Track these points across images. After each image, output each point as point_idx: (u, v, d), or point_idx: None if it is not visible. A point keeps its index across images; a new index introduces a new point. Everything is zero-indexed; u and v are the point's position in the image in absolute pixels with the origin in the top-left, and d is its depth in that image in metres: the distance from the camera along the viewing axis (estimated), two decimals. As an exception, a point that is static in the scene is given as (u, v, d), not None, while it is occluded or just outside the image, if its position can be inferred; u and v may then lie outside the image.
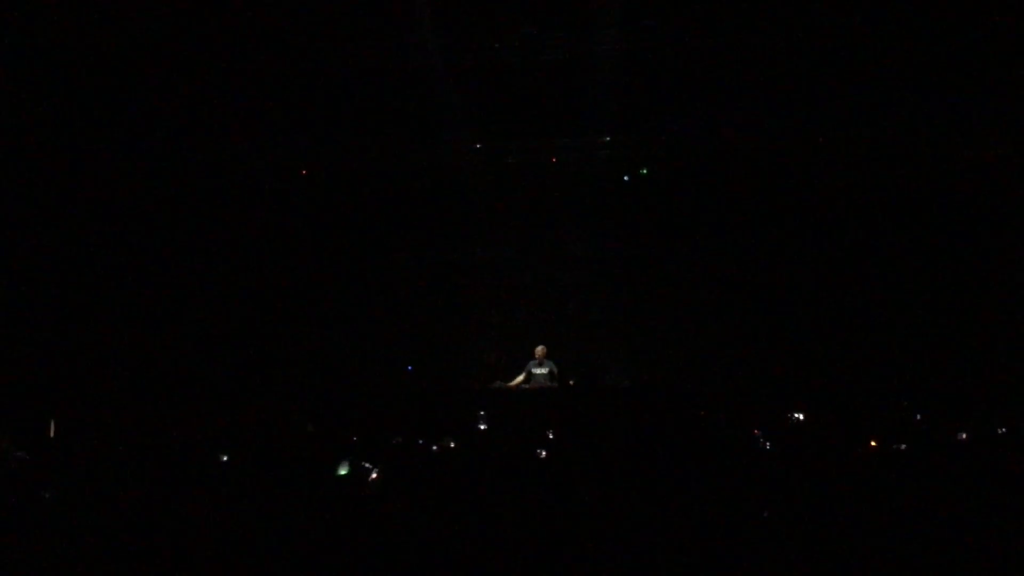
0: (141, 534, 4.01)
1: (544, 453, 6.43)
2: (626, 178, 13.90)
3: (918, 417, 6.70)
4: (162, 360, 12.68)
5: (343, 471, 5.04)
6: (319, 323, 13.83)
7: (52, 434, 9.83)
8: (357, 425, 9.07)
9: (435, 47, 11.94)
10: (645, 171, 13.83)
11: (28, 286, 11.67)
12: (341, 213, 13.77)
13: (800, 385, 11.82)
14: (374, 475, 4.93)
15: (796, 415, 8.69)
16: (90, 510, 4.48)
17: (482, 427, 9.39)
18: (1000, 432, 5.93)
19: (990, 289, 12.15)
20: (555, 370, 11.68)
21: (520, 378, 11.72)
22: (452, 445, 7.27)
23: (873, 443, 7.16)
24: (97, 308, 12.39)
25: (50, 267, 11.93)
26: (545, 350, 11.85)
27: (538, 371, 11.66)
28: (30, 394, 10.82)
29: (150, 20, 11.01)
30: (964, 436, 6.17)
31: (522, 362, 11.95)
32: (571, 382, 11.73)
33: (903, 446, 5.74)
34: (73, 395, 11.19)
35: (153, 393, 11.97)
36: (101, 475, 5.53)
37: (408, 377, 13.84)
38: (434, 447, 7.04)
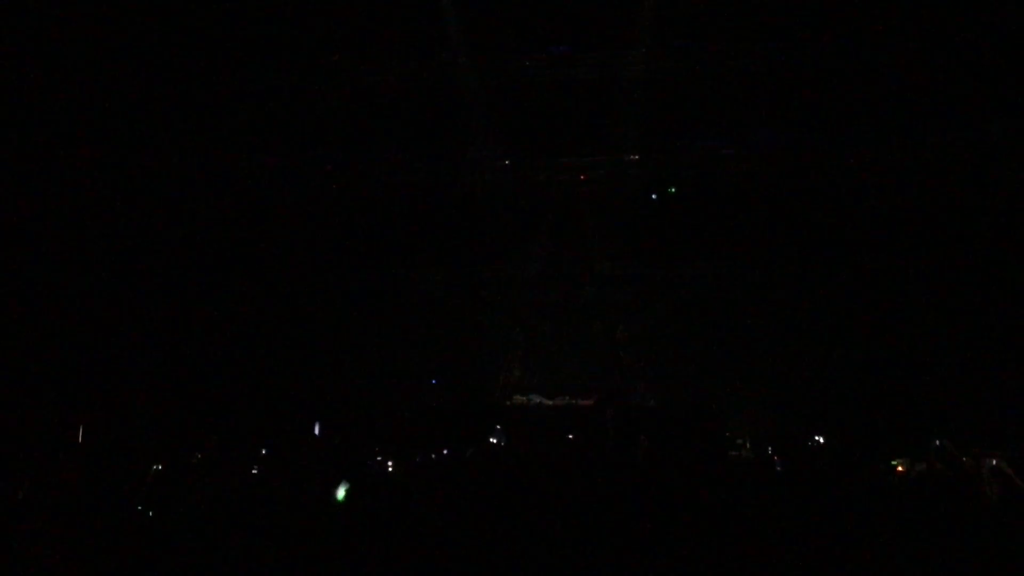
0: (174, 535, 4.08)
1: (568, 469, 6.44)
2: (654, 196, 13.89)
3: (937, 443, 6.63)
4: (192, 373, 12.82)
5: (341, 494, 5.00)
6: (346, 336, 13.93)
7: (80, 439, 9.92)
8: (382, 435, 9.14)
9: (466, 65, 12.06)
10: (673, 190, 13.81)
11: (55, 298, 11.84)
12: (370, 228, 13.90)
13: (824, 406, 11.71)
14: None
15: (817, 438, 8.64)
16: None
17: (502, 439, 9.44)
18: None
19: (1012, 312, 11.94)
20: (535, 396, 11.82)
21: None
22: (474, 455, 7.32)
23: (900, 468, 7.07)
24: (133, 321, 12.56)
25: (77, 281, 12.10)
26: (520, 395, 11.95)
27: (534, 403, 11.75)
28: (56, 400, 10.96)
29: (184, 37, 11.23)
30: (995, 462, 6.06)
31: (546, 379, 12.04)
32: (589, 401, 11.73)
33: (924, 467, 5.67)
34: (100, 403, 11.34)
35: (183, 405, 12.12)
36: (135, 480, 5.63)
37: (432, 391, 13.89)
38: (457, 456, 7.10)
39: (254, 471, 7.23)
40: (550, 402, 11.73)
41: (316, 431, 9.97)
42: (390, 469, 7.15)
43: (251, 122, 12.59)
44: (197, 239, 13.04)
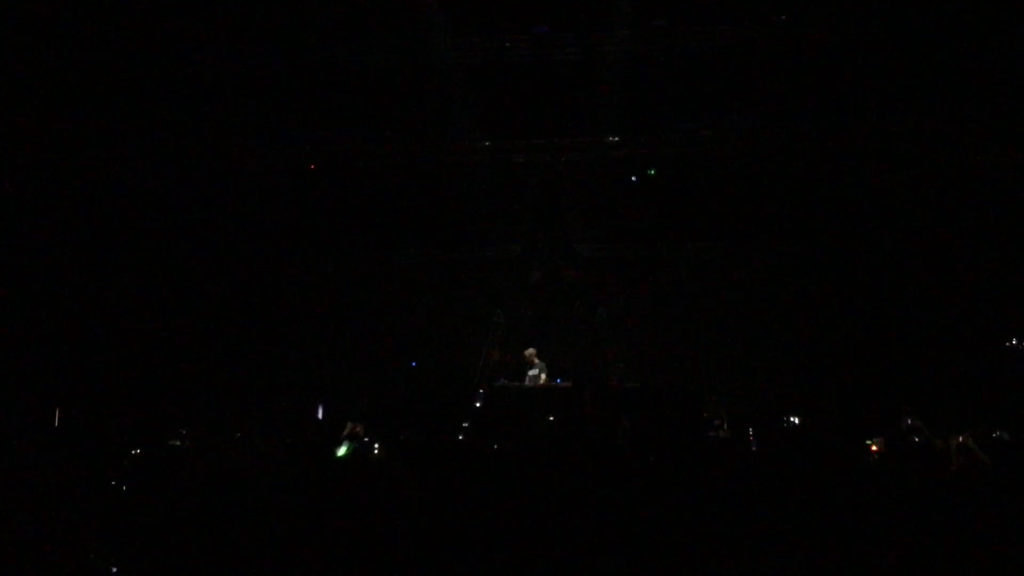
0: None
1: (548, 451, 6.48)
2: (634, 178, 13.92)
3: (909, 422, 6.77)
4: (178, 359, 12.75)
5: (343, 451, 5.18)
6: (324, 319, 13.90)
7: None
8: (362, 418, 9.15)
9: (445, 45, 11.98)
10: (653, 172, 13.85)
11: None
12: (349, 210, 13.83)
13: (801, 387, 11.87)
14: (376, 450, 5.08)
15: (792, 418, 8.78)
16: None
17: (482, 423, 9.47)
18: (995, 435, 5.98)
19: (988, 292, 12.15)
20: (544, 367, 11.84)
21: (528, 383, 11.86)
22: (458, 438, 7.38)
23: (875, 448, 7.19)
24: (114, 308, 12.44)
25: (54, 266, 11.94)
26: (535, 351, 11.99)
27: (531, 372, 11.78)
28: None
29: (164, 18, 11.08)
30: (961, 439, 6.19)
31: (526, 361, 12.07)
32: (568, 383, 11.76)
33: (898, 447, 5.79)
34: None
35: (169, 391, 12.08)
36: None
37: (412, 373, 13.91)
38: (437, 440, 7.14)
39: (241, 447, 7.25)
40: (541, 379, 11.75)
41: (320, 414, 9.89)
42: (376, 451, 7.21)
43: (226, 104, 12.46)
44: (174, 222, 12.92)
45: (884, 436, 6.99)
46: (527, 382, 11.75)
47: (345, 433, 7.95)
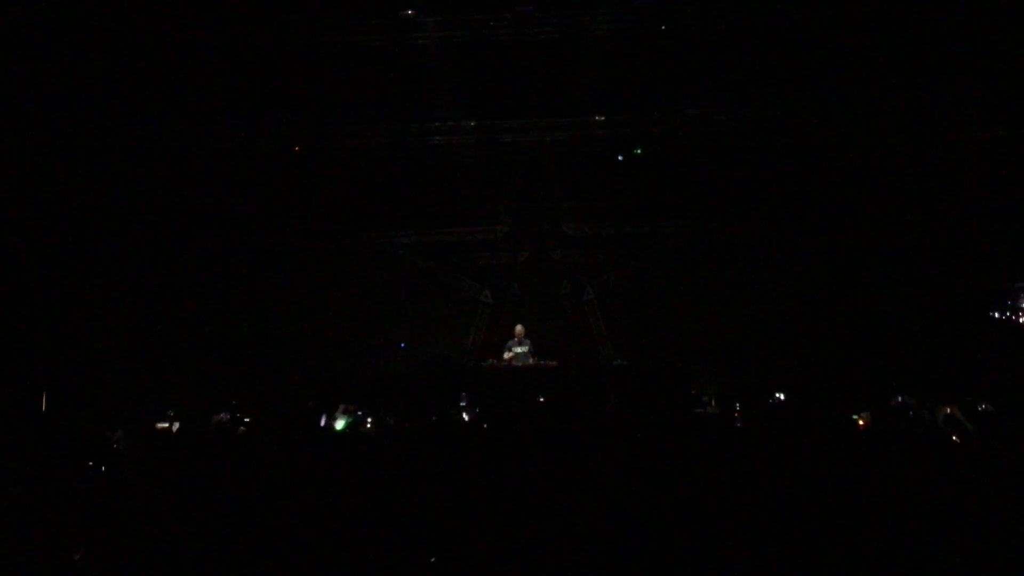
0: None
1: (535, 428, 6.51)
2: (620, 157, 13.92)
3: (900, 399, 6.82)
4: (167, 340, 12.67)
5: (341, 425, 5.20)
6: (313, 301, 13.84)
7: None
8: (352, 400, 9.15)
9: (429, 24, 11.89)
10: (639, 151, 13.85)
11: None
12: (334, 191, 13.74)
13: (788, 363, 11.96)
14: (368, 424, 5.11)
15: (779, 394, 8.84)
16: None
17: (470, 402, 9.51)
18: (981, 409, 6.04)
19: (972, 265, 12.25)
20: (532, 349, 11.91)
21: (507, 356, 11.92)
22: (448, 418, 7.42)
23: (861, 422, 7.24)
24: (99, 290, 12.31)
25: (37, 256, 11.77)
26: (523, 329, 12.08)
27: (518, 350, 11.85)
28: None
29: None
30: (949, 411, 6.25)
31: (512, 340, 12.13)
32: (553, 362, 11.80)
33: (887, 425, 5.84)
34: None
35: (156, 376, 12.01)
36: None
37: (401, 354, 13.89)
38: (428, 420, 7.17)
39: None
40: (529, 359, 11.81)
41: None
42: (368, 425, 7.23)
43: (208, 85, 12.31)
44: (160, 204, 12.79)
45: (871, 410, 7.04)
46: (512, 359, 11.81)
47: (340, 411, 7.98)
